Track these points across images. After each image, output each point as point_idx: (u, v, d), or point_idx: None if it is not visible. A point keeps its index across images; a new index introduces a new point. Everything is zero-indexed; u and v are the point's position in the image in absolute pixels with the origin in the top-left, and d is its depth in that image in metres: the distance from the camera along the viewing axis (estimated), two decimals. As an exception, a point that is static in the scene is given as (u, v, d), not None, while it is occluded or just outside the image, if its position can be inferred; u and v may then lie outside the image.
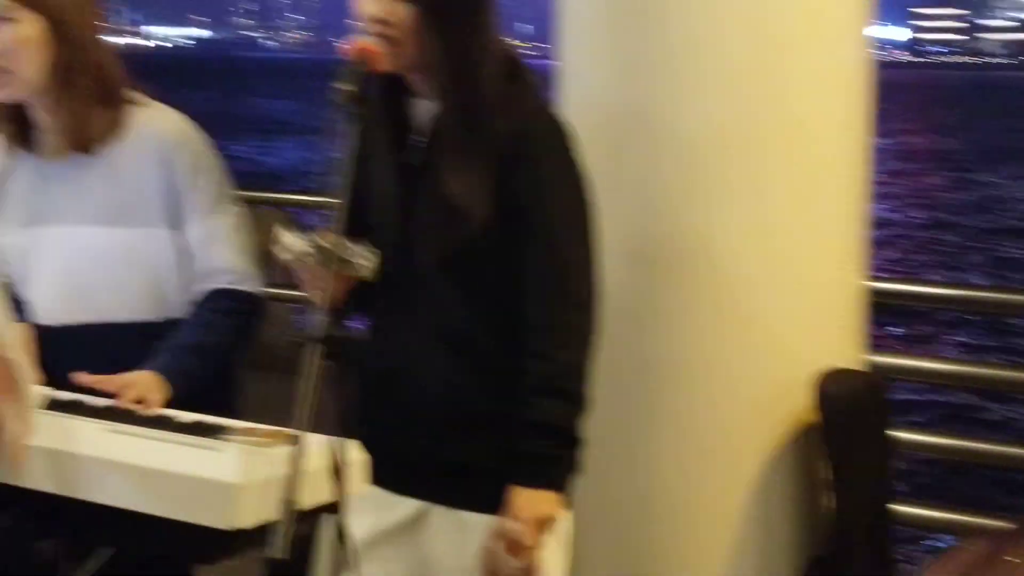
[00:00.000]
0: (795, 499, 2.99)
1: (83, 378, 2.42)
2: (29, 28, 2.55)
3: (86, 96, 2.59)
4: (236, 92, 61.91)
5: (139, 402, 2.40)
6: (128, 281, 2.63)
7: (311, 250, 2.12)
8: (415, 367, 2.38)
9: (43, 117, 2.63)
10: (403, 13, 2.26)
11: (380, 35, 2.27)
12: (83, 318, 2.63)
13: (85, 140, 2.60)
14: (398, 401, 2.40)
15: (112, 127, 2.61)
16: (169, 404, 2.46)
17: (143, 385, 2.45)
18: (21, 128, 2.66)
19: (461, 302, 2.34)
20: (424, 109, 2.36)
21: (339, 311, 1.94)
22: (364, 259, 2.18)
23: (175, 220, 2.64)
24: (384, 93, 2.37)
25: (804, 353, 2.95)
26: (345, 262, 2.14)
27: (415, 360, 2.38)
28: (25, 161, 2.68)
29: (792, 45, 2.92)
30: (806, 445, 2.96)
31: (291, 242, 2.19)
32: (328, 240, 2.10)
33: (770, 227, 2.92)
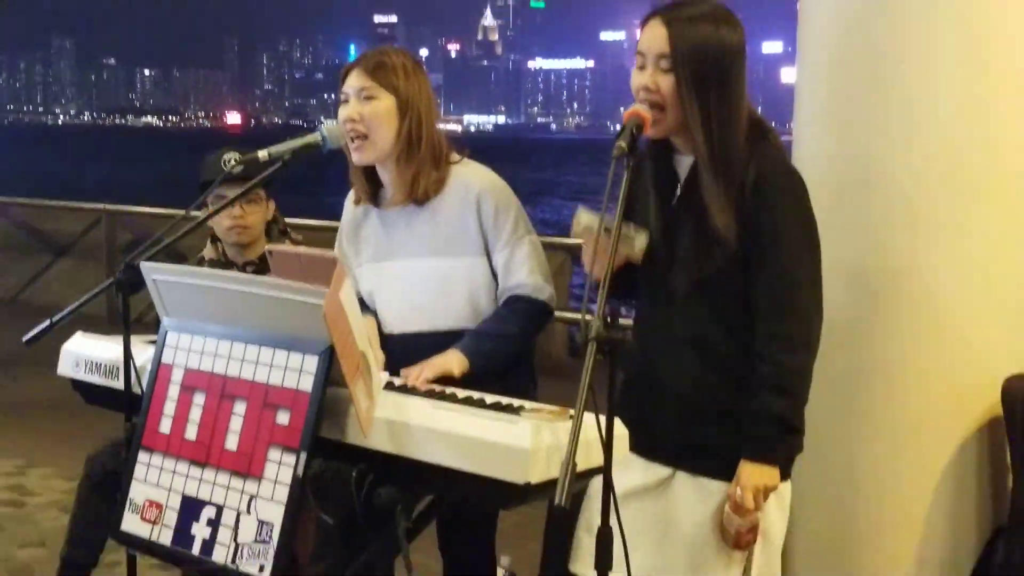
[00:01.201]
0: (981, 479, 2.85)
1: (407, 371, 2.51)
2: (385, 104, 2.65)
3: (423, 160, 2.67)
4: (528, 165, 63.23)
5: (445, 373, 2.46)
6: (452, 298, 2.69)
7: (600, 225, 2.11)
8: (668, 365, 2.36)
9: (389, 177, 2.73)
10: (668, 84, 2.25)
11: (650, 102, 2.26)
12: (418, 328, 2.72)
13: (420, 194, 2.68)
14: (654, 390, 2.38)
15: (439, 182, 2.69)
16: (470, 378, 2.50)
17: (449, 359, 2.53)
18: (371, 186, 2.77)
19: (707, 315, 2.30)
20: (685, 163, 2.34)
21: (612, 314, 1.93)
22: (639, 240, 2.21)
23: (485, 249, 2.71)
24: (654, 151, 2.37)
25: (992, 360, 2.80)
26: (625, 238, 2.16)
27: (668, 359, 2.36)
28: (371, 212, 2.80)
29: (997, 101, 2.77)
30: (992, 435, 2.83)
31: (586, 218, 2.20)
32: (614, 221, 2.09)
33: (968, 255, 2.79)
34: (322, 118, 3.00)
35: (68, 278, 10.00)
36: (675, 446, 2.36)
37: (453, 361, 2.54)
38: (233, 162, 3.02)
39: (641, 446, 2.33)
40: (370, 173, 2.76)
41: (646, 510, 2.38)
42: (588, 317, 1.89)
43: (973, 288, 2.80)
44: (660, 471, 2.38)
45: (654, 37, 2.26)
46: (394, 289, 2.74)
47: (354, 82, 2.66)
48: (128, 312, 2.48)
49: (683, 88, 2.24)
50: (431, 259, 2.70)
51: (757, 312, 2.26)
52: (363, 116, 2.63)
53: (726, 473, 2.28)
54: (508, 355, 2.65)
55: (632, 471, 2.37)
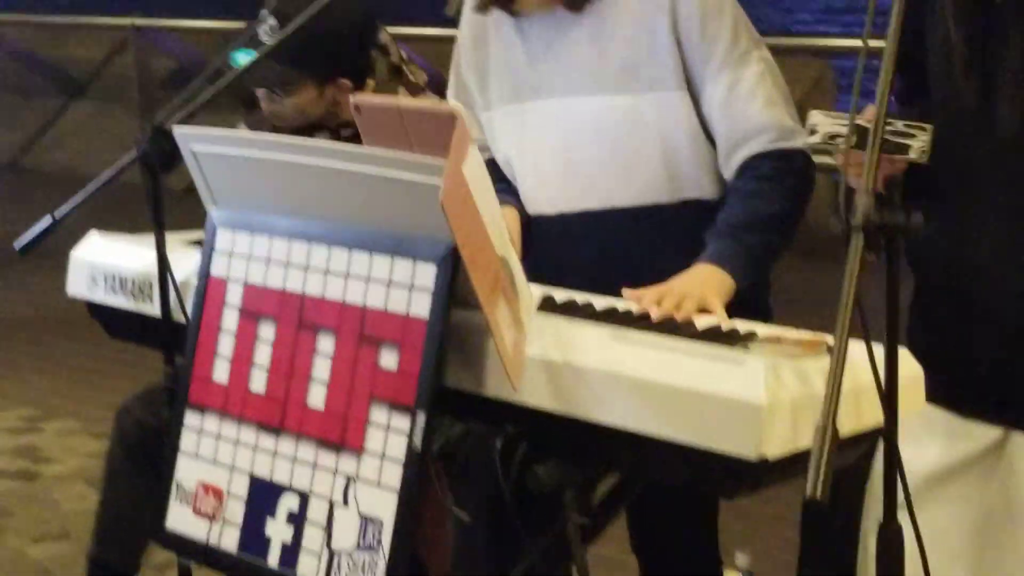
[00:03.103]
0: None
1: (629, 293, 2.48)
2: None
3: None
4: None
5: (705, 310, 2.42)
6: (635, 158, 2.69)
7: (843, 130, 2.10)
8: (992, 262, 2.34)
9: None
10: None
11: None
12: (584, 204, 2.73)
13: None
14: (970, 304, 2.37)
15: None
16: (737, 299, 2.49)
17: (702, 285, 2.49)
18: None
19: None
20: None
21: (888, 186, 1.90)
22: (913, 136, 2.15)
23: (686, 79, 2.67)
24: None
25: None
26: (889, 142, 2.11)
27: (993, 254, 2.34)
28: (503, 21, 2.78)
29: None
30: None
31: (820, 121, 2.17)
32: (866, 117, 2.07)
33: None
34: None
35: (86, 129, 10.36)
36: (1010, 392, 2.34)
37: (711, 287, 2.51)
38: (267, 27, 3.09)
39: (954, 394, 2.32)
40: None
41: (973, 497, 2.37)
42: (852, 190, 1.86)
43: None
44: (985, 433, 2.37)
45: None
46: (545, 144, 2.75)
47: None
48: (161, 200, 2.56)
49: None
50: (601, 97, 2.70)
51: None
52: None
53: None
54: (780, 249, 2.66)
55: (937, 435, 2.37)
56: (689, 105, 2.67)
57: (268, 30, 3.20)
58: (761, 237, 2.63)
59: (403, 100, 2.31)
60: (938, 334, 2.32)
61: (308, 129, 3.43)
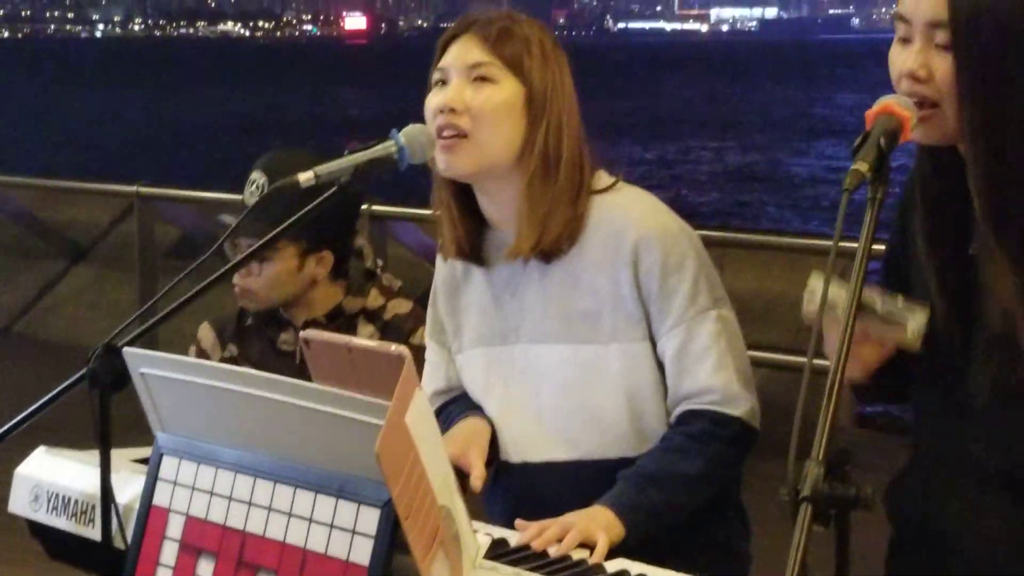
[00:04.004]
0: None
1: (522, 524, 2.50)
2: (507, 93, 2.66)
3: (560, 192, 2.67)
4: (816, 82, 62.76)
5: (587, 543, 2.44)
6: (600, 409, 2.69)
7: (847, 301, 2.08)
8: (965, 513, 2.31)
9: (499, 210, 2.73)
10: (944, 68, 2.20)
11: (913, 95, 2.22)
12: (550, 455, 2.73)
13: (550, 244, 2.67)
14: (942, 554, 2.33)
15: (575, 224, 2.68)
16: (626, 545, 2.49)
17: (591, 521, 2.50)
18: (469, 227, 2.77)
19: None
20: None
21: (839, 459, 1.88)
22: (915, 319, 2.19)
23: (649, 330, 2.67)
24: (935, 165, 2.33)
25: None
26: (888, 321, 2.18)
27: (965, 504, 2.31)
28: (472, 268, 2.81)
29: None
30: None
31: (823, 288, 2.15)
32: (871, 293, 2.14)
33: None
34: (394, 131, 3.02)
35: (85, 295, 10.40)
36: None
37: (599, 524, 2.52)
38: (256, 187, 3.07)
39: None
40: (468, 206, 2.75)
41: None
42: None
43: None
44: None
45: None
46: (515, 392, 2.74)
47: (461, 54, 2.69)
48: (108, 423, 2.54)
49: (967, 76, 2.19)
50: (566, 345, 2.70)
51: None
52: (469, 106, 2.64)
53: None
54: (684, 510, 2.64)
55: None
56: (653, 357, 2.66)
57: (257, 190, 3.21)
58: (667, 495, 2.62)
59: (353, 339, 2.31)
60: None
61: (275, 327, 3.42)
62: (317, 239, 3.34)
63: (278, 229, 2.69)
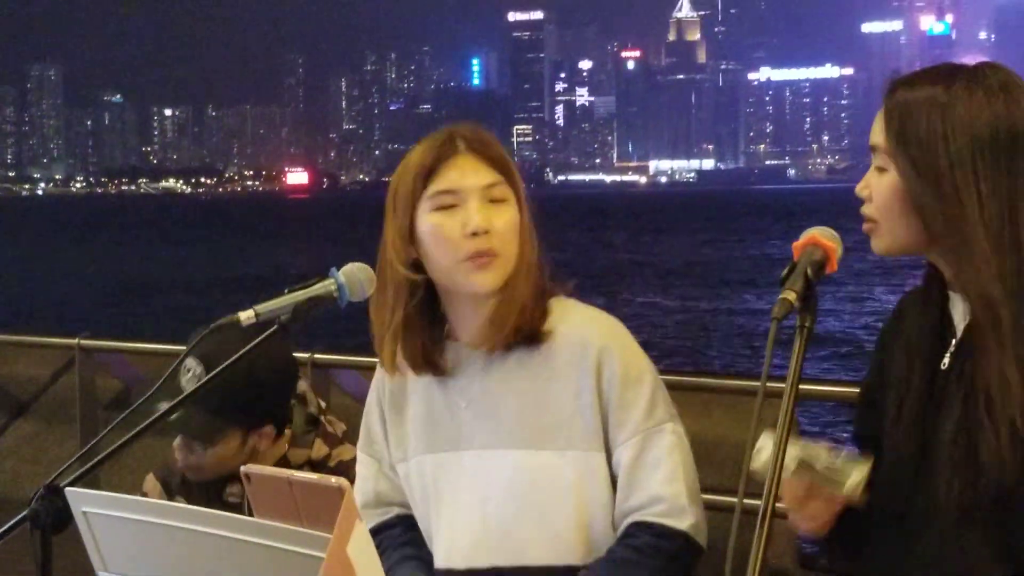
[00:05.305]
0: None
1: None
2: (513, 211, 2.77)
3: (534, 289, 2.76)
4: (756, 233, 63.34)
5: None
6: (550, 516, 2.70)
7: (787, 461, 2.17)
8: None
9: (473, 314, 2.78)
10: (880, 187, 2.29)
11: (863, 213, 2.31)
12: (496, 560, 2.73)
13: (522, 335, 2.72)
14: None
15: (540, 322, 2.74)
16: None
17: None
18: (432, 335, 2.81)
19: (990, 554, 2.27)
20: (963, 308, 2.34)
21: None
22: (854, 475, 2.23)
23: (605, 440, 2.70)
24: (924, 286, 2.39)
25: None
26: (827, 477, 2.22)
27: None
28: (419, 381, 2.84)
29: None
30: None
31: (770, 451, 2.20)
32: (816, 449, 2.19)
33: None
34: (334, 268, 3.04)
35: (24, 450, 10.30)
36: None
37: None
38: (192, 375, 3.13)
39: None
40: (429, 320, 2.79)
41: None
42: None
43: None
44: None
45: (876, 121, 2.33)
46: (462, 498, 2.75)
47: (472, 177, 2.74)
48: (49, 563, 2.53)
49: (906, 192, 2.27)
50: (521, 451, 2.72)
51: None
52: (494, 226, 2.72)
53: None
54: None
55: None
56: (607, 468, 2.70)
57: (193, 378, 3.21)
58: None
59: (293, 472, 2.32)
60: None
61: (221, 481, 3.42)
62: (259, 417, 3.35)
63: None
